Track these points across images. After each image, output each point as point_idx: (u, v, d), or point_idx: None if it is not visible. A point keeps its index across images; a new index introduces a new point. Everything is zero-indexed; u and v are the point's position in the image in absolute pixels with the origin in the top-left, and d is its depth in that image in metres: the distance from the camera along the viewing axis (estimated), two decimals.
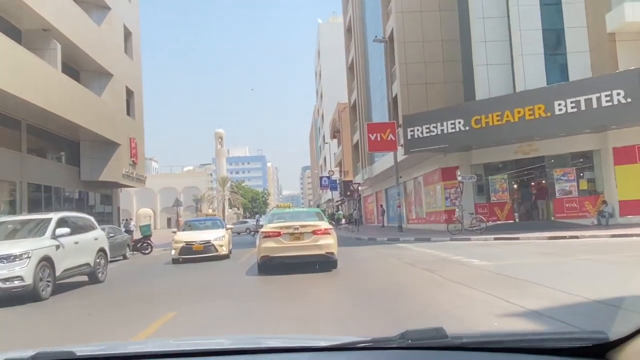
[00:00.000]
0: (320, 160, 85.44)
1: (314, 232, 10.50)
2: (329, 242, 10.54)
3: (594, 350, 1.43)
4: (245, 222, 45.87)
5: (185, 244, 15.75)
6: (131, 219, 37.98)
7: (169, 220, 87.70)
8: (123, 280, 12.63)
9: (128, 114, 30.63)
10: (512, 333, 2.55)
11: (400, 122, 23.89)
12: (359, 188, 32.01)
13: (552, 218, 21.24)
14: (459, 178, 20.52)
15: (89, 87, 25.71)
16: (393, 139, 23.86)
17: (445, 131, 21.83)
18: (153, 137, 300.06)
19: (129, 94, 30.87)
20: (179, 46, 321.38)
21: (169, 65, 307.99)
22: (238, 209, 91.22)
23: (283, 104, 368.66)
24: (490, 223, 20.90)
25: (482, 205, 23.04)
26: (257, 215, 56.04)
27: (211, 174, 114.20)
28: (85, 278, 11.46)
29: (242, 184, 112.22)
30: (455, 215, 20.84)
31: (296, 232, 10.49)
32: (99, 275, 11.53)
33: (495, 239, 17.89)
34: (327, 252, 10.46)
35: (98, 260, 11.52)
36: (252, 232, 35.32)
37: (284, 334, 4.26)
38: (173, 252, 15.93)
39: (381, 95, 31.78)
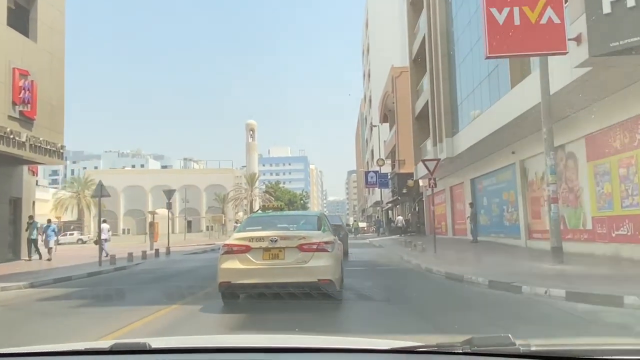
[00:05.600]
0: (367, 155, 70.55)
1: (301, 248, 6.76)
2: (323, 264, 6.77)
3: None
4: None
5: None
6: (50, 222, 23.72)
7: (189, 222, 75.22)
8: None
9: (24, 32, 17.18)
10: (583, 343, 2.08)
11: None
12: (433, 176, 16.81)
13: None
14: None
15: None
16: (558, 21, 9.01)
17: None
18: (196, 139, 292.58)
19: None
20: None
21: (214, 58, 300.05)
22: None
23: (330, 106, 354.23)
24: None
25: None
26: None
27: (241, 176, 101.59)
28: None
29: (279, 185, 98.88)
30: None
31: (273, 246, 6.76)
32: None
33: None
34: (320, 279, 6.71)
35: None
36: None
37: (343, 337, 2.65)
38: None
39: None
